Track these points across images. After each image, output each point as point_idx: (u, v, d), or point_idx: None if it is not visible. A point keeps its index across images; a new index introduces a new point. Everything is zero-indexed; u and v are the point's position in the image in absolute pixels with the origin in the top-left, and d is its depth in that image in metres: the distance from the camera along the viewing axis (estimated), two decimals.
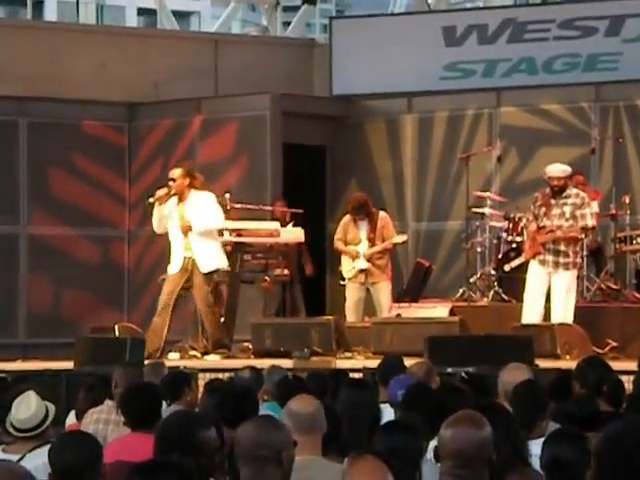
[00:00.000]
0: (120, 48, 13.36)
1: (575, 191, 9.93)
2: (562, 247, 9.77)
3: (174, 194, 9.81)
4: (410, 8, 14.64)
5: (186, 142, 13.02)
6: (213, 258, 9.85)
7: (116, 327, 10.45)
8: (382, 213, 11.07)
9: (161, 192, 9.87)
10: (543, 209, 9.88)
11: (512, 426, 4.14)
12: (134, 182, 13.16)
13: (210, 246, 9.83)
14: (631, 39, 12.53)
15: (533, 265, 9.88)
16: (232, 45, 14.04)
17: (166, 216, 9.86)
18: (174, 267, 9.91)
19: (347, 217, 11.01)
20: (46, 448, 4.30)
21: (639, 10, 12.64)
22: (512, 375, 5.44)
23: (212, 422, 3.75)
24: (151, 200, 9.86)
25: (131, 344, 9.20)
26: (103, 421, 5.96)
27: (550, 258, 9.78)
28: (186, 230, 9.79)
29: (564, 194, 9.83)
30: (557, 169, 9.91)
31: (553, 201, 9.84)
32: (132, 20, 35.48)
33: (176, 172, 9.91)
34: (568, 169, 9.95)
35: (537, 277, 9.80)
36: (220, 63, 13.65)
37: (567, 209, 9.79)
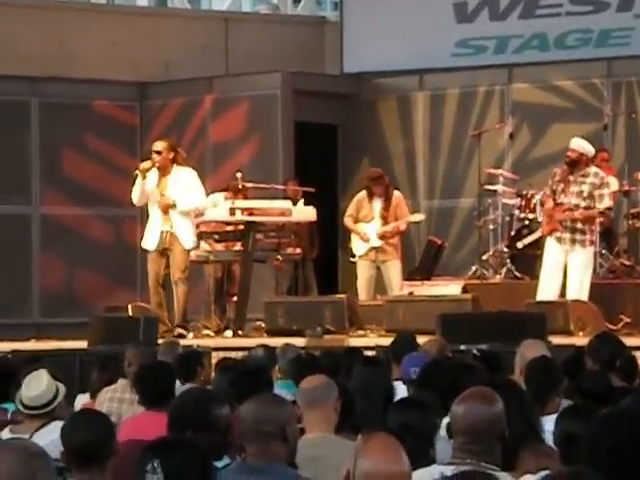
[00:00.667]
0: (131, 27, 13.34)
1: (594, 170, 9.81)
2: (579, 225, 9.72)
3: (158, 167, 9.76)
4: None
5: (197, 121, 13.01)
6: (191, 236, 9.88)
7: (129, 306, 10.48)
8: (396, 192, 11.05)
9: (146, 164, 9.84)
10: (561, 185, 9.80)
11: (525, 402, 4.14)
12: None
13: (189, 224, 9.85)
14: None
15: (550, 242, 9.84)
16: (243, 23, 14.00)
17: (148, 189, 9.82)
18: (151, 242, 9.88)
19: (362, 193, 10.98)
20: (54, 425, 4.32)
21: None
22: (531, 351, 5.44)
23: (225, 399, 3.76)
24: (137, 172, 9.82)
25: (144, 323, 9.23)
26: (117, 400, 5.99)
27: (567, 236, 9.73)
28: (167, 207, 9.77)
29: (583, 172, 9.73)
30: (576, 143, 9.80)
31: (572, 177, 9.75)
32: None
33: (161, 145, 9.87)
34: (587, 147, 9.81)
35: (554, 254, 9.76)
36: (231, 42, 13.62)
37: (585, 188, 9.71)
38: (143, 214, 13.24)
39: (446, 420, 3.65)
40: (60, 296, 12.80)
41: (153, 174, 9.83)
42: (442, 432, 3.85)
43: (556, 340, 8.61)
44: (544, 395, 4.77)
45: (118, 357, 6.43)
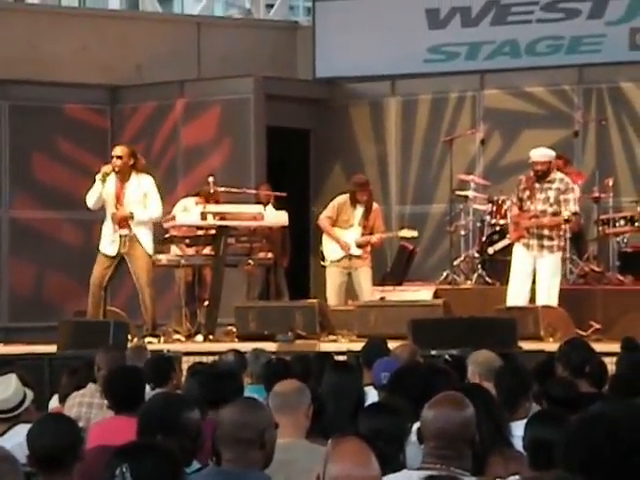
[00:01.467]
0: (102, 31, 13.29)
1: (560, 176, 9.93)
2: (546, 231, 9.80)
3: (117, 172, 9.77)
4: None
5: (169, 125, 12.97)
6: (151, 242, 9.88)
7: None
8: (375, 204, 11.06)
9: (106, 169, 9.85)
10: (527, 193, 9.90)
11: (495, 407, 4.15)
12: None
13: (148, 230, 9.86)
14: (614, 21, 12.54)
15: (518, 248, 9.90)
16: (215, 28, 13.98)
17: (105, 195, 9.82)
18: (110, 248, 9.85)
19: (345, 197, 10.93)
20: (19, 428, 4.29)
21: None
22: (482, 356, 5.48)
23: (195, 404, 3.75)
24: (99, 177, 9.83)
25: (114, 327, 9.19)
26: (86, 404, 5.95)
27: (535, 242, 9.80)
28: (124, 220, 9.75)
29: (548, 178, 9.83)
30: (541, 153, 9.92)
31: (537, 185, 9.85)
32: (114, 3, 35.29)
33: (122, 150, 9.90)
34: (552, 153, 9.95)
35: (522, 261, 9.82)
36: (203, 46, 13.60)
37: (551, 194, 9.80)
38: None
39: (417, 425, 3.65)
40: (29, 300, 12.72)
41: (112, 179, 9.83)
42: (413, 437, 3.85)
43: (526, 346, 8.65)
44: (514, 400, 4.79)
45: (88, 361, 6.39)
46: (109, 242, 9.87)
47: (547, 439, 3.85)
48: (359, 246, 10.71)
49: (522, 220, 9.84)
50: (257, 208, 10.81)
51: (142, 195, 9.77)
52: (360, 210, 10.79)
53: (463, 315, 9.56)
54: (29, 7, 13.54)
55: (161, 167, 12.91)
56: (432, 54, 13.16)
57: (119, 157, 9.79)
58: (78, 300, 12.30)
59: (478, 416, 3.62)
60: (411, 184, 13.07)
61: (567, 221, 9.79)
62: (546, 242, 9.79)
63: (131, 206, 9.80)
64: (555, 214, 9.79)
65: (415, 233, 11.14)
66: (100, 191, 9.83)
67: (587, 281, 10.70)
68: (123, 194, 9.79)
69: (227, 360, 6.46)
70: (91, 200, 9.94)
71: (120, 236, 9.78)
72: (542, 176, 9.81)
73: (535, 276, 9.78)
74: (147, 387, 5.49)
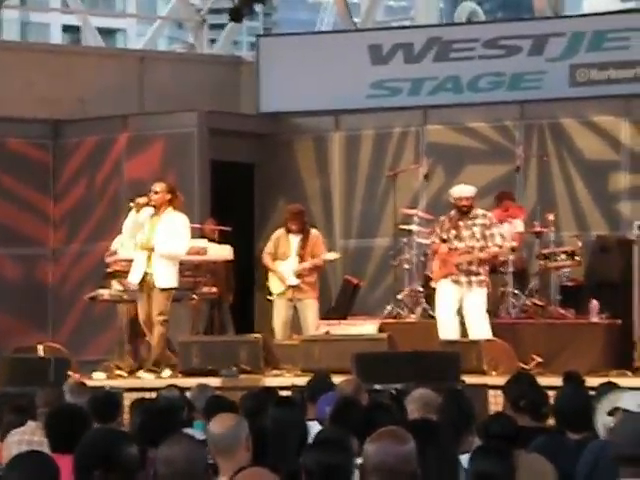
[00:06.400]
0: (45, 65, 13.22)
1: (482, 211, 10.17)
2: (474, 267, 9.97)
3: (152, 205, 9.91)
4: (337, 27, 14.72)
5: (112, 159, 12.91)
6: (170, 276, 9.90)
7: (40, 347, 10.30)
8: (314, 230, 11.08)
9: (141, 200, 9.99)
10: (453, 232, 10.07)
11: (443, 441, 4.15)
12: (59, 200, 13.02)
13: (169, 265, 9.89)
14: (554, 58, 12.73)
15: (445, 285, 10.04)
16: (158, 62, 13.97)
17: (139, 225, 9.96)
18: (135, 278, 9.93)
19: (280, 230, 10.98)
20: None
21: (561, 29, 12.86)
22: (420, 393, 5.50)
23: (133, 439, 3.70)
24: (131, 205, 10.02)
25: (55, 364, 9.07)
26: (26, 442, 5.86)
27: (463, 278, 9.97)
28: (149, 249, 9.86)
29: (471, 215, 10.03)
30: (466, 189, 10.15)
31: (461, 223, 10.03)
32: (57, 37, 35.17)
33: (160, 186, 10.08)
34: (474, 189, 10.17)
35: (449, 297, 9.99)
36: (146, 80, 13.58)
37: (477, 229, 10.00)
38: (55, 253, 13.09)
39: (359, 460, 3.64)
40: None
41: (146, 212, 9.96)
42: (355, 472, 3.83)
43: (470, 379, 8.68)
44: (458, 434, 4.79)
45: (30, 398, 6.30)
46: (135, 274, 9.93)
47: (490, 472, 3.86)
48: (298, 276, 10.72)
49: (452, 257, 9.98)
50: (201, 242, 10.77)
51: (169, 233, 9.86)
52: (296, 240, 10.81)
53: (407, 349, 9.58)
54: None
55: (104, 201, 12.84)
56: (375, 89, 13.26)
57: (156, 192, 9.95)
58: (18, 336, 12.14)
59: (425, 450, 3.61)
60: (355, 218, 13.11)
61: (500, 247, 9.96)
62: (474, 278, 10.00)
63: (160, 241, 9.87)
64: (482, 249, 9.97)
65: (337, 255, 11.20)
66: (134, 221, 9.97)
67: (529, 315, 10.79)
68: (155, 227, 9.90)
69: (167, 396, 6.40)
70: (126, 230, 10.10)
71: (145, 273, 9.84)
72: (466, 212, 9.99)
73: (462, 311, 9.93)
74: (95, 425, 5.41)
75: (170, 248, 9.85)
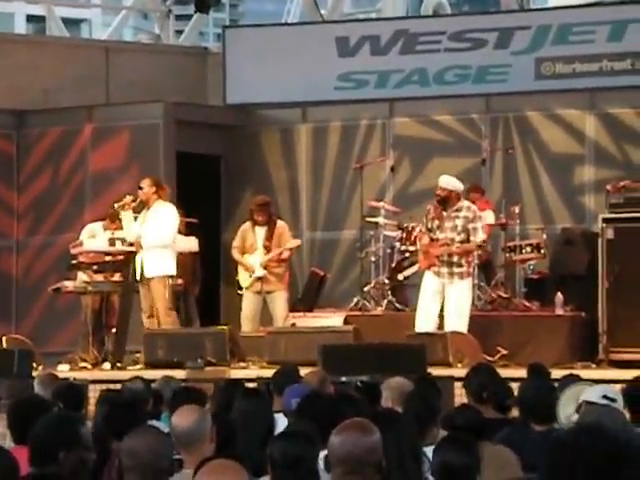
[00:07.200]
0: (9, 55, 13.09)
1: (467, 204, 10.07)
2: (455, 258, 9.92)
3: (140, 201, 10.13)
4: (304, 18, 14.67)
5: (77, 150, 12.82)
6: (162, 264, 10.05)
7: (3, 339, 10.23)
8: (280, 222, 11.07)
9: (126, 199, 10.18)
10: (436, 222, 10.01)
11: (407, 432, 4.15)
12: (22, 191, 12.91)
13: (160, 254, 10.05)
14: (519, 51, 12.77)
15: (428, 276, 10.00)
16: (123, 53, 13.89)
17: (135, 223, 10.12)
18: (137, 274, 10.17)
19: (246, 224, 10.97)
20: None
21: (527, 23, 12.91)
22: (395, 382, 5.51)
23: (84, 420, 3.74)
24: (115, 206, 10.19)
25: (19, 356, 9.01)
26: None
27: (445, 270, 9.92)
28: (137, 244, 10.05)
29: (455, 207, 9.96)
30: (444, 180, 10.07)
31: (445, 213, 9.97)
32: (21, 27, 34.88)
33: (144, 182, 10.30)
34: (455, 183, 10.06)
35: (432, 288, 9.92)
36: (112, 71, 13.49)
37: (459, 222, 9.93)
38: (19, 244, 12.98)
39: (324, 453, 3.64)
40: None
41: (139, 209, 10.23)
42: (320, 464, 3.83)
43: (435, 371, 8.70)
44: (423, 426, 4.80)
45: None
46: (137, 268, 10.10)
47: (455, 464, 3.87)
48: (264, 267, 10.70)
49: (432, 249, 9.94)
50: None
51: (158, 221, 10.06)
52: (262, 231, 10.81)
53: (373, 341, 9.60)
54: None
55: (68, 192, 12.75)
56: (342, 82, 13.24)
57: (141, 188, 10.23)
58: None
59: (389, 441, 3.62)
60: (322, 210, 13.11)
61: (479, 247, 9.91)
62: (456, 269, 9.92)
63: (146, 232, 10.03)
64: (463, 242, 9.92)
65: (298, 242, 11.20)
66: (128, 221, 10.15)
67: (494, 307, 10.83)
68: (146, 219, 10.09)
69: (132, 388, 6.37)
70: (126, 233, 10.21)
71: (141, 264, 10.04)
72: (441, 202, 9.96)
73: (444, 303, 9.87)
74: None
75: (156, 237, 10.02)
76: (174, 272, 10.17)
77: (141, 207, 10.21)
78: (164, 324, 10.05)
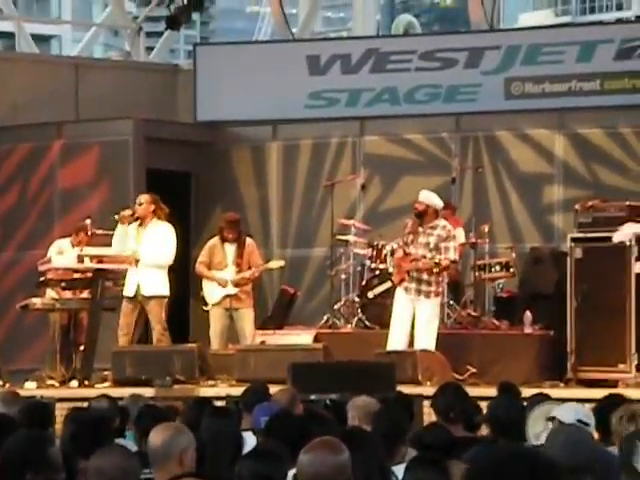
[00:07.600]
0: None
1: (443, 223, 10.04)
2: (425, 276, 9.91)
3: (137, 217, 10.14)
4: (274, 36, 14.72)
5: (46, 166, 12.75)
6: (159, 284, 10.12)
7: None
8: (249, 239, 11.05)
9: (125, 212, 10.15)
10: (411, 237, 10.01)
11: (375, 451, 4.14)
12: None
13: (157, 273, 10.11)
14: (489, 71, 12.85)
15: (399, 292, 10.00)
16: (93, 69, 13.85)
17: (128, 237, 10.14)
18: (129, 290, 10.20)
19: (215, 239, 10.94)
20: None
21: (497, 43, 12.99)
22: (361, 401, 5.50)
23: (52, 439, 3.68)
24: (116, 217, 10.15)
25: None
26: None
27: (413, 286, 9.91)
28: (135, 260, 10.08)
29: (431, 224, 9.95)
30: (422, 195, 10.06)
31: (421, 229, 9.97)
32: None
33: (144, 197, 10.34)
34: (435, 200, 10.03)
35: (402, 304, 9.92)
36: (81, 87, 13.44)
37: (432, 240, 9.92)
38: None
39: (293, 471, 3.62)
40: None
41: (133, 225, 10.20)
42: None
43: (405, 390, 8.70)
44: (391, 444, 4.79)
45: None
46: (129, 286, 10.16)
47: None
48: (236, 285, 10.67)
49: (404, 263, 9.94)
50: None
51: (155, 243, 10.08)
52: (232, 249, 10.78)
53: (343, 359, 9.58)
54: None
55: (37, 209, 12.67)
56: (313, 100, 13.27)
57: (140, 204, 10.23)
58: None
59: (358, 460, 3.60)
60: (292, 228, 13.10)
61: (437, 264, 9.88)
62: (424, 287, 9.91)
63: (145, 251, 10.06)
64: (432, 260, 9.92)
65: (282, 262, 11.20)
66: (122, 234, 10.12)
67: (464, 326, 10.85)
68: (141, 238, 10.12)
69: (98, 406, 6.32)
70: (114, 242, 10.18)
71: (137, 284, 10.08)
72: (418, 216, 9.95)
73: (414, 321, 9.87)
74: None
75: (156, 257, 10.09)
76: (168, 293, 10.23)
77: (132, 221, 10.21)
78: (158, 344, 10.15)
